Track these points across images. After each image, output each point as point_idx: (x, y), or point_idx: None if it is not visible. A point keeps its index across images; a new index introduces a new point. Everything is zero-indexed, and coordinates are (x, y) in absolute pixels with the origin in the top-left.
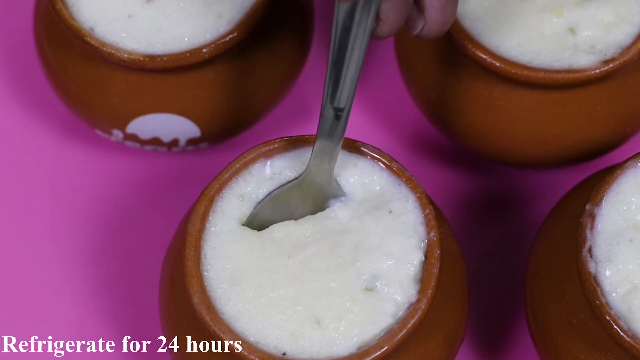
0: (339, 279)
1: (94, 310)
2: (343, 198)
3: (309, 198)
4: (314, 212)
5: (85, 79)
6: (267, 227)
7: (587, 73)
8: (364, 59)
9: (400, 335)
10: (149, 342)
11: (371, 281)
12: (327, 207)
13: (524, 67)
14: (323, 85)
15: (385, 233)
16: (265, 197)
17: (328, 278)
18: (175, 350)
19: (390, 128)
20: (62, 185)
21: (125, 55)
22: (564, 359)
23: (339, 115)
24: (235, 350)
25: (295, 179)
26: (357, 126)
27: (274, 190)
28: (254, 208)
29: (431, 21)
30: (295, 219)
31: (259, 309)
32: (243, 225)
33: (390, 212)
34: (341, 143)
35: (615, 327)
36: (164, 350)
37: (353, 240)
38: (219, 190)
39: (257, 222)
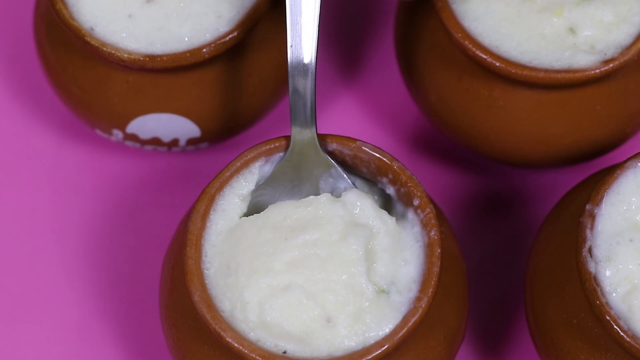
0: (356, 274)
1: (94, 310)
2: (333, 170)
3: (301, 173)
4: (311, 187)
5: (85, 79)
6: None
7: (587, 73)
8: (320, 9)
9: (400, 334)
10: (149, 341)
11: (389, 285)
12: (336, 191)
13: (524, 67)
14: (324, 84)
15: (397, 233)
16: (260, 184)
17: (340, 270)
18: (176, 349)
19: (390, 128)
20: (62, 185)
21: (125, 55)
22: (564, 359)
23: (305, 70)
24: (236, 349)
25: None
26: (357, 126)
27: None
28: (252, 194)
29: None
30: (296, 198)
31: (261, 299)
32: (245, 214)
33: (394, 213)
34: (314, 103)
35: (615, 327)
36: (165, 350)
37: (367, 235)
38: (220, 188)
39: (259, 209)
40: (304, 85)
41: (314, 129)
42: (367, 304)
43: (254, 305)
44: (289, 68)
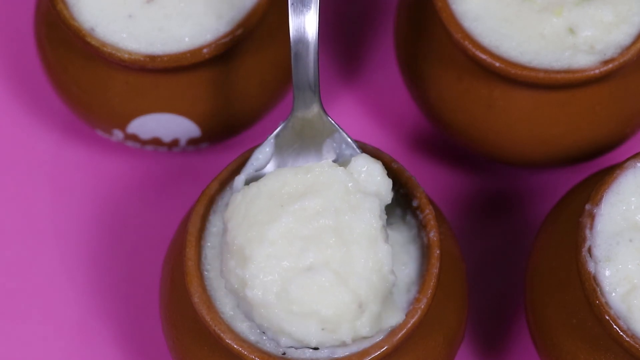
0: (382, 255)
1: (94, 310)
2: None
3: (304, 138)
4: (316, 155)
5: (86, 79)
6: None
7: (587, 73)
8: None
9: (399, 335)
10: (149, 342)
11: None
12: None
13: (524, 67)
14: (323, 84)
15: (401, 231)
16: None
17: (363, 249)
18: (176, 350)
19: (390, 128)
20: (62, 185)
21: (126, 56)
22: (563, 359)
23: (307, 34)
24: (235, 350)
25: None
26: (357, 126)
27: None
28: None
29: None
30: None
31: (264, 276)
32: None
33: (394, 214)
34: (316, 64)
35: (614, 327)
36: (165, 350)
37: (379, 206)
38: (219, 190)
39: None
40: (306, 46)
41: (317, 92)
42: (389, 294)
43: (256, 283)
44: (290, 29)
